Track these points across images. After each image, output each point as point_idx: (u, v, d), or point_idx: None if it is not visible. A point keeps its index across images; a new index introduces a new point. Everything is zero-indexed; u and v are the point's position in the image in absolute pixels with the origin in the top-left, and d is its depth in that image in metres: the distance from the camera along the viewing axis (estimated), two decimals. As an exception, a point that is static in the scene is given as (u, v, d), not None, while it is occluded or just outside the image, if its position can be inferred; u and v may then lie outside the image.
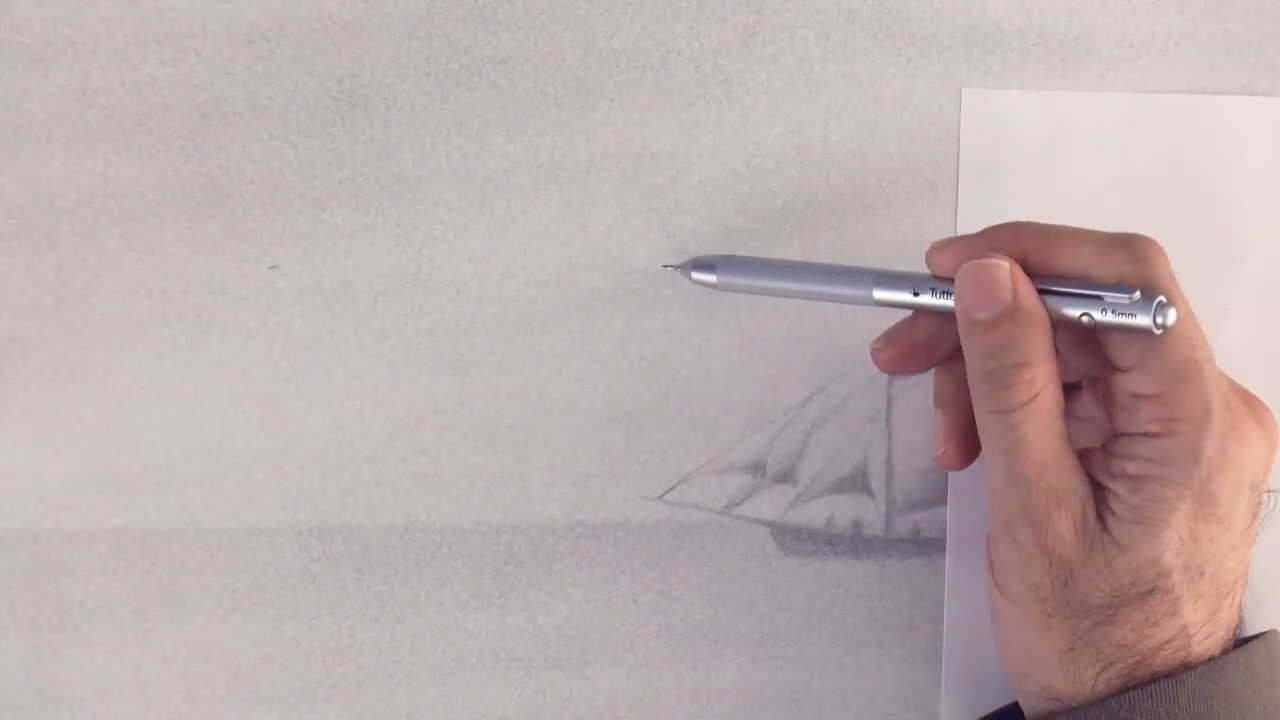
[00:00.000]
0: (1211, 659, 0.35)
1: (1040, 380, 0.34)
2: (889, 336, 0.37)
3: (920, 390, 0.42)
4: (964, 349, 0.35)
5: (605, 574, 0.42)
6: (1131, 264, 0.34)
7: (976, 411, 0.35)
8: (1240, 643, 0.37)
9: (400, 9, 0.41)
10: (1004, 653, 0.37)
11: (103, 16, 0.41)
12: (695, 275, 0.40)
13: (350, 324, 0.42)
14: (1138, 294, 0.34)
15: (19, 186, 0.41)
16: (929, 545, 0.43)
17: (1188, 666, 0.34)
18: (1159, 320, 0.34)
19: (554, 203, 0.42)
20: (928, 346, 0.37)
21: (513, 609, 0.42)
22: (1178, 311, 0.34)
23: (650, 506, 0.42)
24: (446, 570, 0.42)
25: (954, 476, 0.42)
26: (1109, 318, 0.34)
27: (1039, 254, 0.35)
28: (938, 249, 0.36)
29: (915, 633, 0.43)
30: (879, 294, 0.37)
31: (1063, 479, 0.34)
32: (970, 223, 0.42)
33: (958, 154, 0.42)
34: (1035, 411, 0.34)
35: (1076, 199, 0.42)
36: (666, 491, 0.42)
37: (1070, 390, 0.37)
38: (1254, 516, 0.35)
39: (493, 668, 0.42)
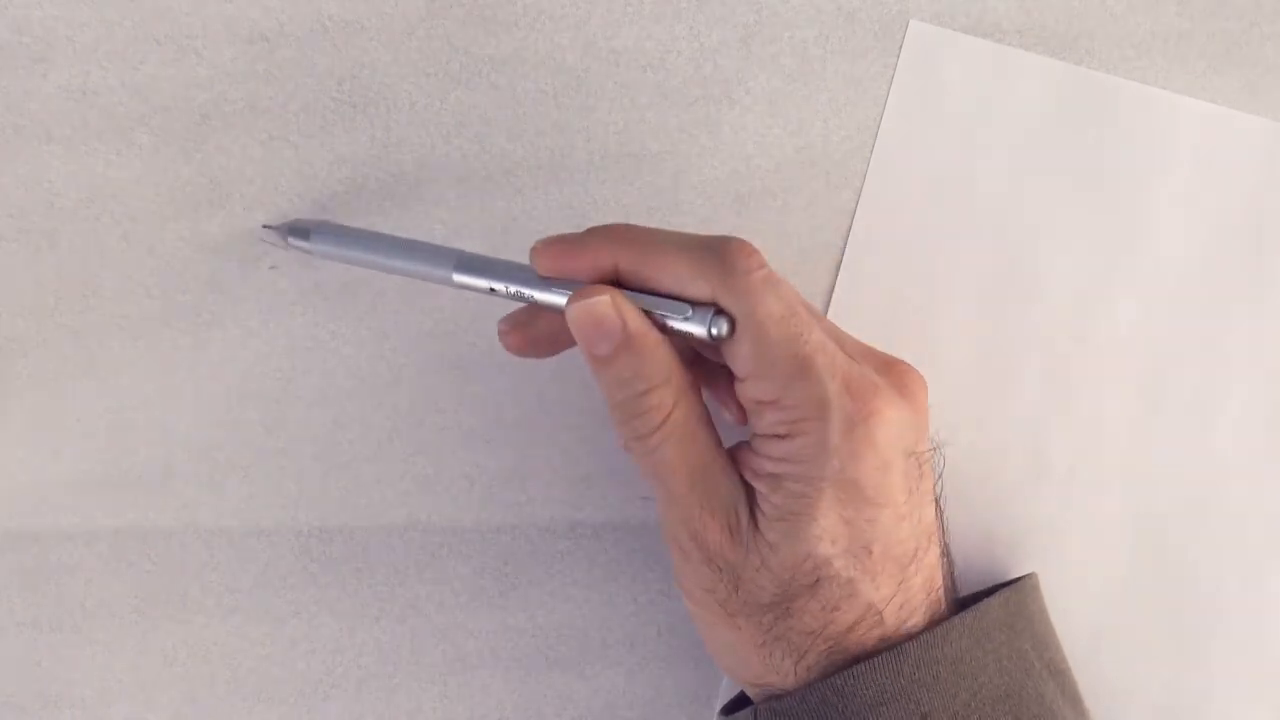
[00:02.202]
0: (936, 624, 0.35)
1: (668, 402, 0.34)
2: (512, 320, 0.37)
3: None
4: (598, 384, 0.35)
5: (605, 574, 0.42)
6: (720, 274, 0.34)
7: (620, 440, 0.35)
8: (972, 599, 0.37)
9: (400, 9, 0.41)
10: (711, 651, 0.37)
11: (103, 16, 0.41)
12: (292, 240, 0.39)
13: (350, 324, 0.42)
14: (690, 309, 0.34)
15: (19, 186, 0.41)
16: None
17: (886, 640, 0.34)
18: (714, 331, 0.33)
19: (554, 203, 0.42)
20: (549, 337, 0.37)
21: (513, 609, 0.42)
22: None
23: (650, 506, 0.42)
24: (446, 570, 0.42)
25: None
26: (679, 326, 0.34)
27: (634, 265, 0.35)
28: (538, 249, 0.36)
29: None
30: (458, 277, 0.36)
31: (712, 489, 0.34)
32: (882, 162, 0.42)
33: (889, 86, 0.42)
34: (671, 433, 0.34)
35: (993, 158, 0.42)
36: (666, 491, 0.42)
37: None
38: (918, 481, 0.35)
39: (493, 668, 0.42)
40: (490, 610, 0.42)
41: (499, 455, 0.42)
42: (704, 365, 0.37)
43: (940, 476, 0.37)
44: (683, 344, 0.35)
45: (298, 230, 0.39)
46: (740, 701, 0.39)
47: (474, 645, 0.42)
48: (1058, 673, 0.37)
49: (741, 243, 0.34)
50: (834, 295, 0.42)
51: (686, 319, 0.34)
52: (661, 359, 0.34)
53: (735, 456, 0.35)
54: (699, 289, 0.34)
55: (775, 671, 0.35)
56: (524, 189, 0.42)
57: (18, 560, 0.41)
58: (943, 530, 0.37)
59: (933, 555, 0.36)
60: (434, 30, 0.41)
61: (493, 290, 0.36)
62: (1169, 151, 0.42)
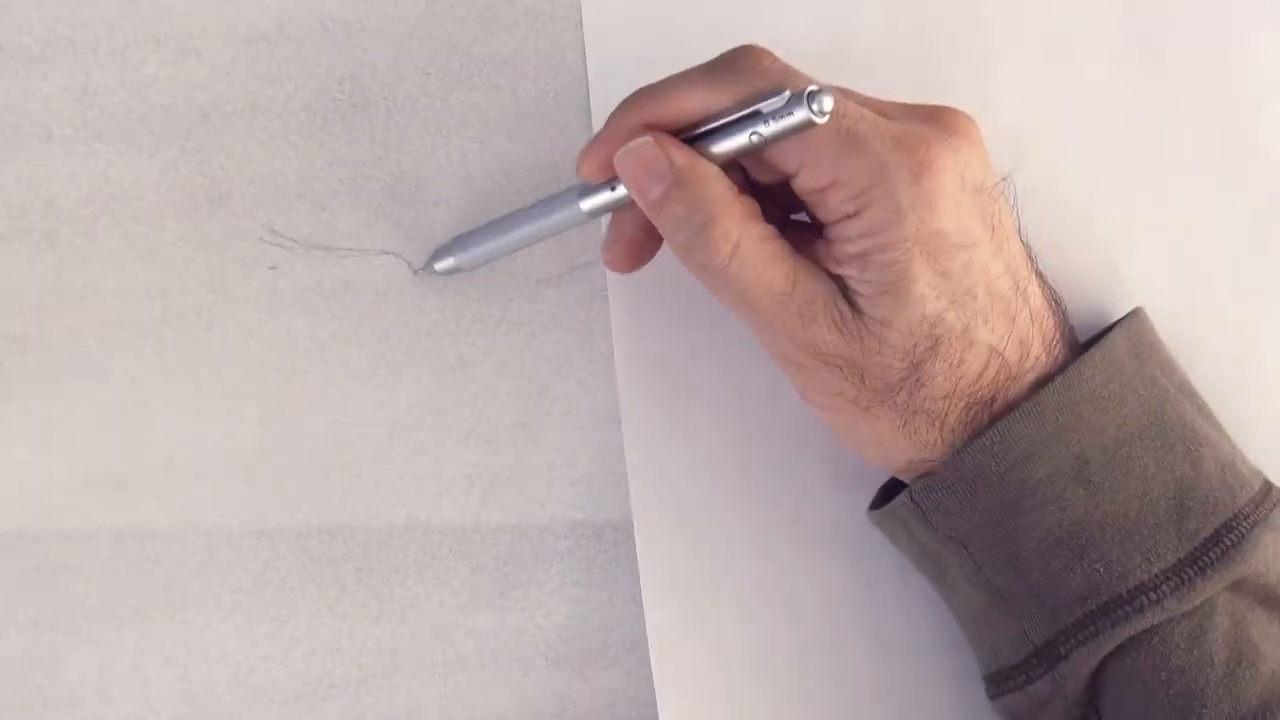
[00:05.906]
0: (1064, 366, 0.35)
1: (734, 229, 0.34)
2: (607, 244, 0.38)
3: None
4: (660, 232, 0.36)
5: (605, 574, 0.42)
6: (744, 81, 0.34)
7: (700, 278, 0.35)
8: (1096, 338, 0.37)
9: (400, 9, 0.41)
10: (856, 450, 0.37)
11: (103, 16, 0.41)
12: (438, 266, 0.40)
13: (350, 324, 0.42)
14: (787, 94, 0.33)
15: (19, 186, 0.41)
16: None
17: (1016, 379, 0.35)
18: (816, 108, 0.33)
19: (554, 203, 0.42)
20: (644, 236, 0.37)
21: (513, 609, 0.42)
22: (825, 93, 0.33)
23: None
24: (446, 570, 0.42)
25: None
26: (774, 128, 0.33)
27: (660, 114, 0.35)
28: (583, 159, 0.36)
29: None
30: (585, 204, 0.37)
31: (806, 294, 0.35)
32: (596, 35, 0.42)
33: None
34: (744, 257, 0.34)
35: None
36: (666, 491, 0.42)
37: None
38: (995, 216, 0.35)
39: (493, 668, 0.42)
40: (490, 610, 0.42)
41: (499, 455, 0.42)
42: (761, 197, 0.37)
43: (1015, 206, 0.37)
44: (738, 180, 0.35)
45: (440, 254, 0.40)
46: (887, 493, 0.39)
47: (474, 645, 0.42)
48: (1190, 393, 0.38)
49: (748, 45, 0.35)
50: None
51: (785, 113, 0.33)
52: (719, 187, 0.34)
53: (814, 256, 0.35)
54: (726, 105, 0.34)
55: (923, 447, 0.35)
56: (524, 189, 0.42)
57: (18, 560, 0.41)
58: (1032, 259, 0.37)
59: (1034, 286, 0.36)
60: (434, 30, 0.41)
61: (615, 196, 0.37)
62: None
